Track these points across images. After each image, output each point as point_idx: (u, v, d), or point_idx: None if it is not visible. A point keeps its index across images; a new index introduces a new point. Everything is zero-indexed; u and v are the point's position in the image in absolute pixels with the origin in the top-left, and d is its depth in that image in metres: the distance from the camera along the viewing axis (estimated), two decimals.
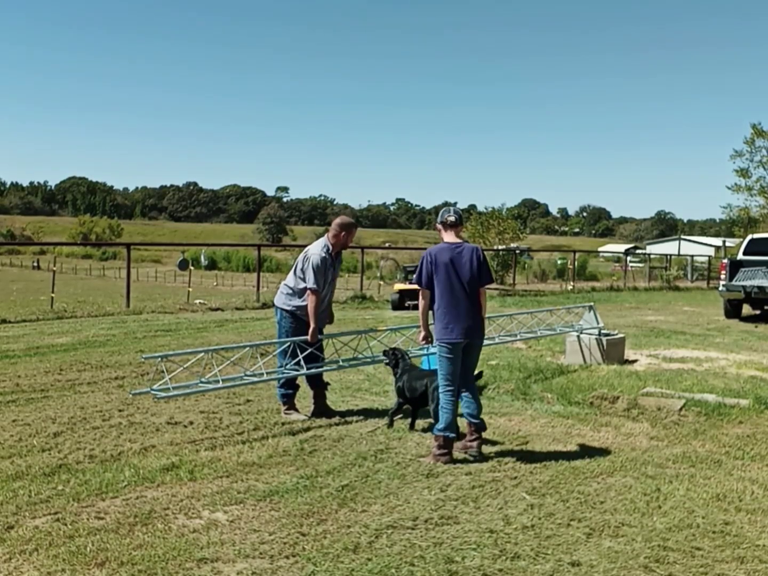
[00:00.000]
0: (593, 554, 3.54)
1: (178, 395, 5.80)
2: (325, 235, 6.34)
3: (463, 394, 5.20)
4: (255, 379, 6.07)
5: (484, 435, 5.29)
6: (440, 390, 5.11)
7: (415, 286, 5.63)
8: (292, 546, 3.59)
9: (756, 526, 3.96)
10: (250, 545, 3.60)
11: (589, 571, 3.38)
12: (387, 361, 6.14)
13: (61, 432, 5.57)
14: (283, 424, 5.95)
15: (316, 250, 6.15)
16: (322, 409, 6.27)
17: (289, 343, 6.09)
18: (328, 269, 6.16)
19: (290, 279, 6.28)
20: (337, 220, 6.34)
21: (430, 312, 5.19)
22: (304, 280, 6.08)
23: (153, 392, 5.54)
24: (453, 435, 5.03)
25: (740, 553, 3.60)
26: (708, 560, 3.51)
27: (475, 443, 5.09)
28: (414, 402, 5.79)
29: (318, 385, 6.33)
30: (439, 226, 5.22)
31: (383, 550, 3.54)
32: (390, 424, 5.79)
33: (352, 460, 4.95)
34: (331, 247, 6.20)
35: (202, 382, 5.79)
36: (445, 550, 3.55)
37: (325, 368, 6.38)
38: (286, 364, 6.09)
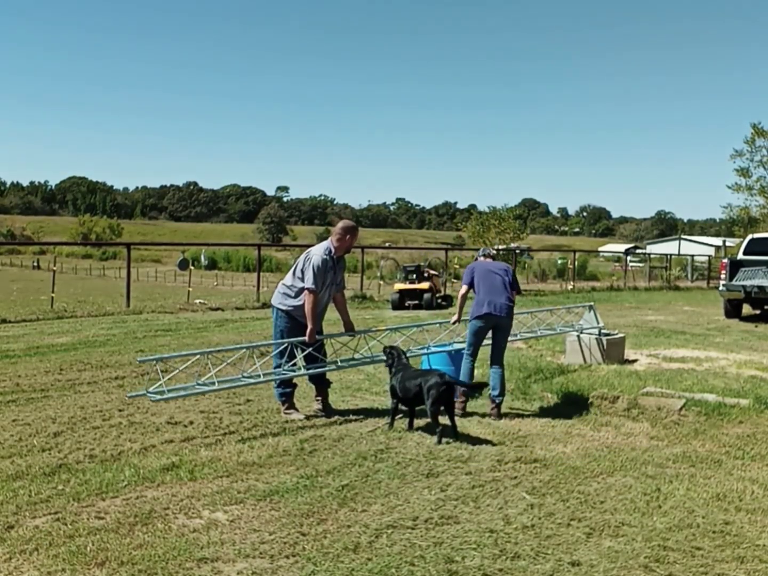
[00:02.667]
0: (593, 554, 3.54)
1: (174, 397, 5.77)
2: (329, 239, 6.35)
3: (491, 370, 6.50)
4: (252, 380, 6.08)
5: (482, 433, 5.37)
6: (464, 355, 6.58)
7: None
8: (292, 546, 3.59)
9: (756, 525, 3.96)
10: (250, 545, 3.60)
11: (589, 571, 3.38)
12: (386, 359, 6.15)
13: (61, 432, 5.57)
14: (283, 423, 5.95)
15: (318, 251, 6.18)
16: (326, 408, 6.29)
17: (285, 343, 6.10)
18: (328, 272, 6.17)
19: (289, 278, 6.30)
20: (341, 224, 6.37)
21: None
22: (302, 280, 6.10)
23: (149, 395, 5.53)
24: (464, 387, 6.29)
25: (740, 552, 3.60)
26: (708, 560, 3.51)
27: (494, 411, 6.31)
28: (408, 402, 5.79)
29: (322, 383, 6.35)
30: (481, 258, 6.93)
31: (383, 550, 3.54)
32: (390, 425, 5.79)
33: (352, 459, 4.95)
34: (333, 250, 6.23)
35: (198, 384, 5.79)
36: (445, 549, 3.55)
37: (324, 369, 6.38)
38: (283, 365, 6.10)
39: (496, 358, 6.52)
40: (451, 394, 5.61)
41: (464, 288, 6.68)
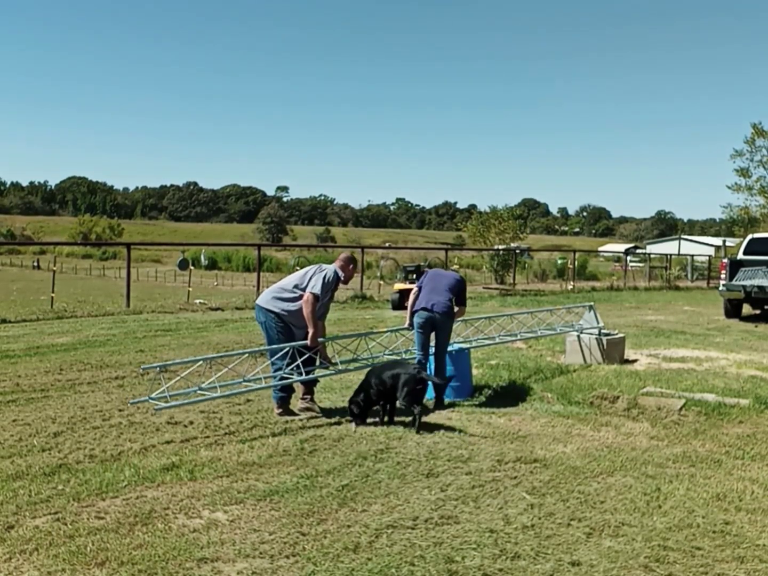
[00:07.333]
0: (593, 554, 3.54)
1: (177, 405, 5.74)
2: (337, 265, 6.49)
3: (431, 359, 6.80)
4: (254, 386, 6.11)
5: (482, 433, 5.44)
6: (417, 357, 6.78)
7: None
8: (292, 546, 3.59)
9: (756, 525, 3.96)
10: (250, 545, 3.60)
11: (589, 571, 3.38)
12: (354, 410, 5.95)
13: (61, 432, 5.57)
14: (283, 423, 5.94)
15: (332, 268, 6.38)
16: (314, 405, 6.33)
17: (286, 347, 6.10)
18: (330, 290, 6.29)
19: (286, 282, 6.34)
20: (344, 255, 6.73)
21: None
22: (306, 287, 6.13)
23: (151, 401, 5.54)
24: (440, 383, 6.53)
25: (740, 552, 3.60)
26: (708, 560, 3.51)
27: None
28: (386, 395, 5.85)
29: (311, 382, 6.39)
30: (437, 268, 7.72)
31: (383, 550, 3.54)
32: (381, 421, 5.88)
33: (352, 459, 4.95)
34: (342, 276, 6.42)
35: (200, 389, 5.79)
36: (445, 549, 3.55)
37: (324, 372, 6.38)
38: (284, 368, 6.09)
39: (438, 365, 6.73)
40: (424, 388, 5.88)
41: (415, 289, 6.99)
